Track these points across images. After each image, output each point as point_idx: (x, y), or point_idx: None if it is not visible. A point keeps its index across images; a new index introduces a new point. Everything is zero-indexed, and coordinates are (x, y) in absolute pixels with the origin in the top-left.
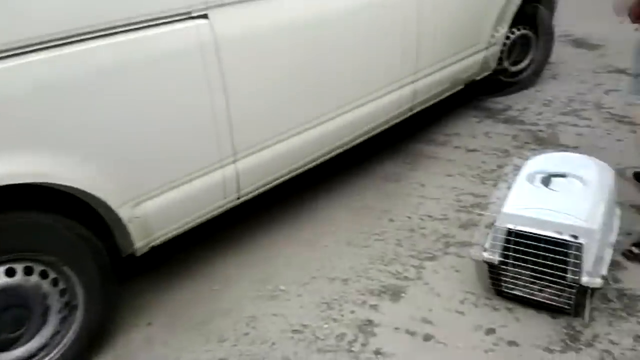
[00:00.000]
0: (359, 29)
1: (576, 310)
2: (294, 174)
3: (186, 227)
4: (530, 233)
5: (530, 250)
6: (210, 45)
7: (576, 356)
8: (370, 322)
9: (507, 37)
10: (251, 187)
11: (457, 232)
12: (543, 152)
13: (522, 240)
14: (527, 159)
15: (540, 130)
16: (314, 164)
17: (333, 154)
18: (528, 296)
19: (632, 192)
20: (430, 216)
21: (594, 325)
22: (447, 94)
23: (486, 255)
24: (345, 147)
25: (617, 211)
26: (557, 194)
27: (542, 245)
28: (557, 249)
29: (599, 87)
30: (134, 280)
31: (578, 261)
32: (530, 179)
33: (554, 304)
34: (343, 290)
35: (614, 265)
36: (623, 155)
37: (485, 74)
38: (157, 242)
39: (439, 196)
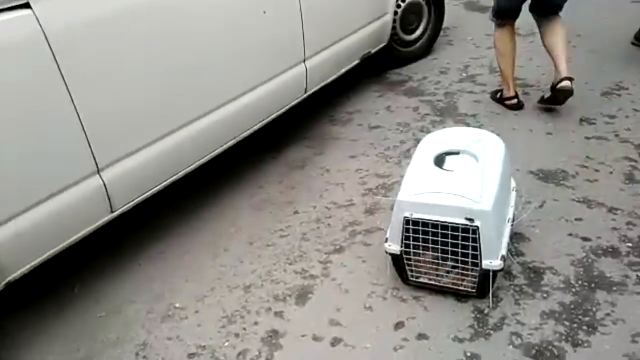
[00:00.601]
0: (225, 7)
1: (481, 293)
2: (176, 177)
3: (52, 253)
4: (426, 220)
5: (429, 237)
6: (38, 40)
7: (485, 342)
8: (275, 333)
9: (398, 6)
10: (126, 198)
11: (363, 218)
12: (442, 124)
13: (420, 228)
14: (427, 132)
15: (439, 100)
16: (201, 161)
17: (223, 148)
18: (434, 282)
19: (529, 158)
20: (335, 203)
21: (501, 305)
22: (344, 70)
23: (387, 245)
24: (237, 139)
25: (513, 183)
26: (451, 175)
27: (440, 231)
28: (454, 233)
29: (491, 50)
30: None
31: (476, 244)
32: (424, 159)
33: (459, 288)
34: (245, 299)
35: (515, 238)
36: (519, 119)
37: (381, 46)
38: (16, 276)
39: (344, 180)
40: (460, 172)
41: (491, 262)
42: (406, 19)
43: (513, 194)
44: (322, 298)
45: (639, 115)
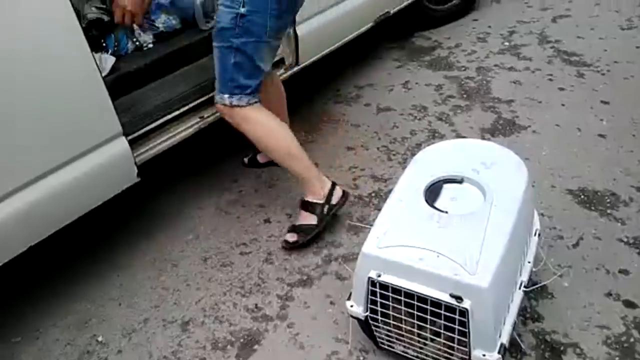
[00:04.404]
0: None
1: None
2: None
3: None
4: (397, 287)
5: (402, 308)
6: None
7: None
8: None
9: None
10: None
11: (344, 238)
12: (468, 111)
13: (389, 294)
14: (446, 121)
15: (469, 78)
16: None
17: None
18: (412, 356)
19: (570, 171)
20: None
21: None
22: (352, 36)
23: (348, 305)
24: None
25: (536, 224)
26: (442, 220)
27: (416, 303)
28: (435, 309)
29: (546, 11)
30: None
31: (464, 329)
32: (412, 188)
33: None
34: (179, 341)
35: (534, 292)
36: (566, 112)
37: (405, 4)
38: None
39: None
40: (455, 217)
41: (484, 355)
42: None
43: (534, 242)
44: (269, 352)
45: None
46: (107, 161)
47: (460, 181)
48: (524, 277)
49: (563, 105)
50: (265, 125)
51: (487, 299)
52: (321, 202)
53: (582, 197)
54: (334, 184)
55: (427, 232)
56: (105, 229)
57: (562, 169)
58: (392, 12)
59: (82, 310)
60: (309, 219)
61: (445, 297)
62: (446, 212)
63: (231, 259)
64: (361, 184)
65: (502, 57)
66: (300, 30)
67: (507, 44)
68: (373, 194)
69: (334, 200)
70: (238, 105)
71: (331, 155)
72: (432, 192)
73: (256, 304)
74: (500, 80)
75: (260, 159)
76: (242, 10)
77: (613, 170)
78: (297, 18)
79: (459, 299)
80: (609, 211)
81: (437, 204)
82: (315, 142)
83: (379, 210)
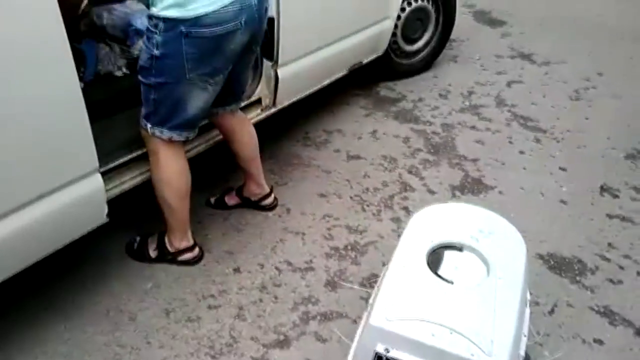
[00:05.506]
0: None
1: None
2: None
3: None
4: None
5: None
6: None
7: None
8: None
9: (402, 10)
10: None
11: (322, 294)
12: (435, 166)
13: None
14: (416, 174)
15: (435, 133)
16: None
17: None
18: None
19: (538, 236)
20: (289, 264)
21: None
22: (327, 81)
23: None
24: None
25: (527, 295)
26: (451, 292)
27: None
28: None
29: (501, 76)
30: None
31: None
32: (414, 255)
33: None
34: None
35: None
36: (528, 176)
37: (375, 56)
38: None
39: (306, 229)
40: (463, 289)
41: None
42: (410, 26)
43: (527, 313)
44: None
45: None
46: (77, 199)
47: (460, 248)
48: (522, 352)
49: (524, 168)
50: (164, 170)
51: None
52: (170, 251)
53: (552, 262)
54: (193, 247)
55: (435, 305)
56: (54, 266)
57: (531, 232)
58: (364, 62)
59: None
60: (152, 251)
61: None
62: (452, 282)
63: (198, 312)
64: (336, 234)
65: (463, 116)
66: (281, 72)
67: (467, 103)
68: (349, 247)
69: (181, 258)
70: (159, 137)
71: (303, 202)
72: (434, 258)
73: None
74: (464, 138)
75: (228, 200)
76: (156, 52)
77: (577, 238)
78: (280, 60)
79: None
80: (578, 278)
81: (440, 272)
82: (286, 186)
83: (357, 264)
